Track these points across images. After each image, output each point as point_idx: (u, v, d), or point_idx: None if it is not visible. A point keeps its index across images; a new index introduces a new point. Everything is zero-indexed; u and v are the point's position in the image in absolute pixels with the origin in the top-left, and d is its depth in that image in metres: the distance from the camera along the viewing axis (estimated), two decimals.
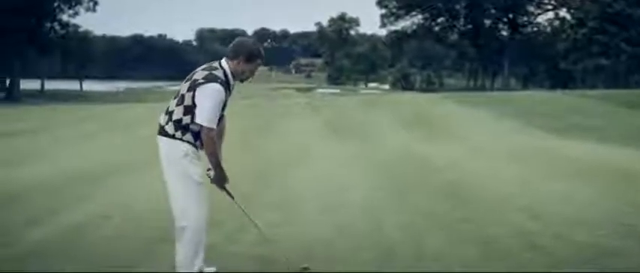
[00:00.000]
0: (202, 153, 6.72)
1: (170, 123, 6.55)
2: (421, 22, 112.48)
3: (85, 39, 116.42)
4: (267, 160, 18.27)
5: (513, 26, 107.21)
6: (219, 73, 6.54)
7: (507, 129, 28.23)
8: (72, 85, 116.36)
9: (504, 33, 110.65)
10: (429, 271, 7.32)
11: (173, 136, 6.52)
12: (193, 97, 6.44)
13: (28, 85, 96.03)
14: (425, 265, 7.46)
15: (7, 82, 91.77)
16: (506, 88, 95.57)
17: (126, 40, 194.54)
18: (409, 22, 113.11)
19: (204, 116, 6.41)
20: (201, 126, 6.44)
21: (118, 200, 11.43)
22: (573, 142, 22.47)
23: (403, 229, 9.19)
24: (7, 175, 14.97)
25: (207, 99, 6.39)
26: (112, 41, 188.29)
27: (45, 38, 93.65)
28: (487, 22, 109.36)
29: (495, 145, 21.84)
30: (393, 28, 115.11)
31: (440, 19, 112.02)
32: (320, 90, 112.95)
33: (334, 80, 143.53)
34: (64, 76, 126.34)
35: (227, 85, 6.58)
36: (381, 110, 38.47)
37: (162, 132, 6.59)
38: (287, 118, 35.41)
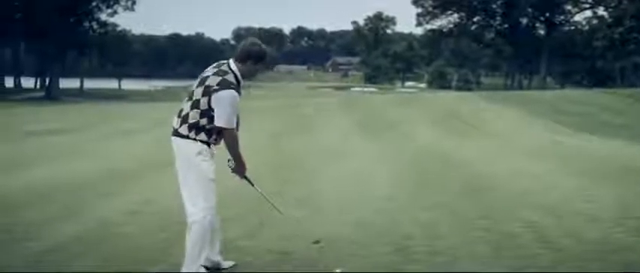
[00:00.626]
0: (219, 150, 7.04)
1: (184, 125, 6.85)
2: (457, 20, 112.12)
3: (124, 38, 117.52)
4: (297, 159, 18.58)
5: (550, 25, 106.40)
6: (231, 78, 6.80)
7: (536, 127, 28.29)
8: (110, 84, 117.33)
9: (541, 32, 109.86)
10: (439, 264, 7.51)
11: (187, 137, 6.83)
12: (209, 102, 6.73)
13: (67, 83, 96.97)
14: (437, 259, 7.65)
15: (47, 81, 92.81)
16: (543, 87, 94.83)
17: (163, 39, 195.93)
18: (445, 20, 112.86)
19: (225, 120, 6.72)
20: (224, 128, 6.79)
21: (146, 196, 11.74)
22: (601, 141, 22.55)
23: (421, 225, 9.38)
24: (42, 173, 15.43)
25: (226, 105, 6.70)
26: (149, 40, 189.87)
27: (84, 37, 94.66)
28: (524, 20, 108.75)
29: (522, 143, 21.98)
30: (429, 26, 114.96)
31: (476, 18, 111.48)
32: (356, 89, 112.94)
33: (371, 79, 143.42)
34: (103, 74, 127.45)
35: (239, 87, 6.88)
36: (413, 108, 38.57)
37: (176, 133, 6.90)
38: (321, 117, 35.63)
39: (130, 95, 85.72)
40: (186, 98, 6.96)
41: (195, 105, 6.81)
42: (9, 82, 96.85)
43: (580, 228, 9.12)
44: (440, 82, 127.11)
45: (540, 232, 8.86)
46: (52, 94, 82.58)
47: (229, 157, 7.08)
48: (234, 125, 6.88)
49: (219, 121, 6.74)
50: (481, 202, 11.22)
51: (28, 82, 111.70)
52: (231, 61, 6.98)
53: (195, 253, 6.79)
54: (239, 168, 7.19)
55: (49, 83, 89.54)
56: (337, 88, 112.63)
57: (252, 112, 37.68)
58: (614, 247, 8.15)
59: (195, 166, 6.82)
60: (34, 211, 10.61)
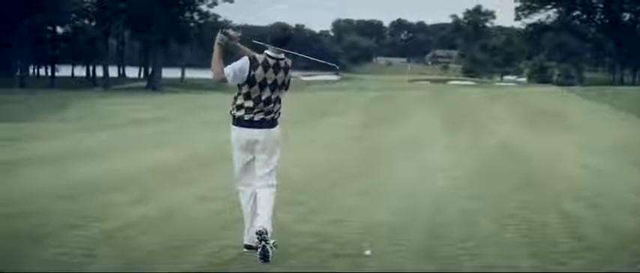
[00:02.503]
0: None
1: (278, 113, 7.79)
2: (557, 15, 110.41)
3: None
4: (374, 151, 19.27)
5: None
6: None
7: (620, 122, 28.27)
8: (211, 74, 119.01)
9: None
10: (466, 248, 7.97)
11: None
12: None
13: (169, 73, 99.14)
14: (466, 244, 8.11)
15: (150, 71, 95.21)
16: None
17: (263, 30, 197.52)
18: (544, 15, 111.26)
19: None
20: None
21: (220, 183, 12.50)
22: None
23: (463, 213, 9.91)
24: (132, 159, 16.62)
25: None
26: (249, 31, 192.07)
27: (184, 28, 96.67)
28: (625, 15, 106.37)
29: (600, 138, 22.03)
30: (528, 21, 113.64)
31: (575, 13, 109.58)
32: (453, 82, 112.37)
33: (469, 72, 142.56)
34: (204, 65, 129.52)
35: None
36: (501, 103, 38.79)
37: (275, 123, 7.76)
38: (410, 110, 36.15)
39: (229, 86, 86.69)
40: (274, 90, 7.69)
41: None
42: (113, 72, 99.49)
43: (616, 220, 9.45)
44: (540, 76, 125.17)
45: (573, 223, 9.25)
46: (153, 84, 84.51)
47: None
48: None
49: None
50: (532, 194, 11.63)
51: (132, 72, 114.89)
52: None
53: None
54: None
55: (151, 73, 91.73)
56: (434, 81, 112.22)
57: (346, 107, 38.67)
58: None
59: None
60: (115, 194, 11.50)
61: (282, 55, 7.65)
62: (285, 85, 7.68)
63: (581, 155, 17.81)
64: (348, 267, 7.29)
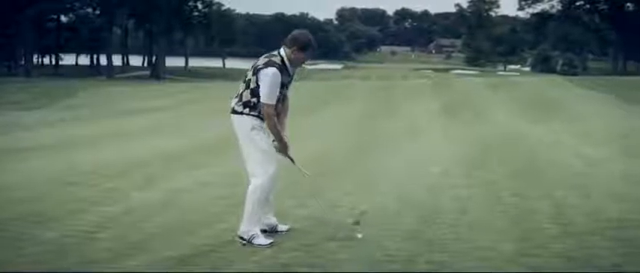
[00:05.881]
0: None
1: (239, 103, 7.79)
2: (560, 4, 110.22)
3: (228, 17, 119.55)
4: (373, 138, 19.59)
5: None
6: (276, 60, 7.74)
7: (620, 113, 28.38)
8: (215, 63, 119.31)
9: None
10: (455, 232, 8.30)
11: (242, 113, 7.78)
12: (257, 80, 7.73)
13: (173, 62, 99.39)
14: (457, 230, 8.39)
15: (153, 59, 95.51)
16: None
17: (267, 19, 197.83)
18: (548, 4, 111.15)
19: (264, 94, 7.64)
20: (264, 104, 7.71)
21: (223, 170, 12.91)
22: None
23: (456, 200, 10.15)
24: (134, 147, 17.01)
25: (266, 81, 7.61)
26: (253, 19, 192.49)
27: (188, 16, 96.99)
28: (629, 5, 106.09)
29: (600, 128, 21.86)
30: (531, 10, 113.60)
31: (579, 2, 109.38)
32: (457, 71, 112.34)
33: (473, 61, 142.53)
34: (209, 54, 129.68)
35: (284, 69, 7.76)
36: (502, 92, 38.97)
37: (233, 111, 7.86)
38: (410, 98, 36.39)
39: (233, 74, 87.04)
40: (242, 82, 7.88)
41: (247, 85, 7.77)
42: (117, 60, 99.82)
43: (604, 208, 9.57)
44: (544, 65, 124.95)
45: (561, 209, 9.44)
46: (157, 73, 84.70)
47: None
48: (273, 102, 7.69)
49: (261, 97, 7.68)
50: (524, 181, 11.84)
51: (136, 61, 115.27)
52: (282, 48, 7.86)
53: (250, 214, 7.79)
54: (280, 146, 8.00)
55: (155, 62, 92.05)
56: (438, 70, 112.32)
57: (347, 96, 38.97)
58: (626, 225, 8.61)
59: (250, 139, 7.77)
60: (118, 180, 11.97)
61: (276, 54, 7.87)
62: (250, 84, 7.81)
63: (577, 144, 17.92)
64: (341, 249, 7.59)
